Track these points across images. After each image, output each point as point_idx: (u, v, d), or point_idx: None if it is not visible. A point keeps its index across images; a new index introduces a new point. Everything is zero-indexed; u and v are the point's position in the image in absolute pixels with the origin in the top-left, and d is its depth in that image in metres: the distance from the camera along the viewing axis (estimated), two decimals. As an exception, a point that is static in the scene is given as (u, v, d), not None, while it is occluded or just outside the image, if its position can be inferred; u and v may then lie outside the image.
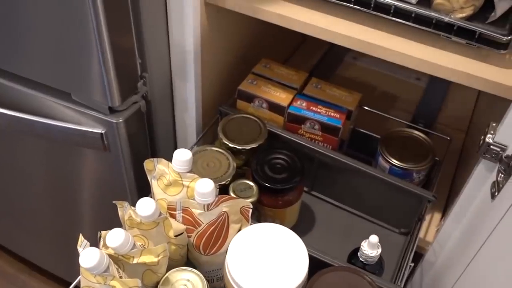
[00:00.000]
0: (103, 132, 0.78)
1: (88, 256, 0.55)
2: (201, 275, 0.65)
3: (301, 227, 0.86)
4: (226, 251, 0.70)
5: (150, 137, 0.86)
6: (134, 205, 0.91)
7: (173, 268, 0.66)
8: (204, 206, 0.65)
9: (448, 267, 0.73)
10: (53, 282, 1.35)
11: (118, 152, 0.81)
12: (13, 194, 1.10)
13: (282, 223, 0.83)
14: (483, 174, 0.65)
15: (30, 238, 1.22)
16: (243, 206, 0.68)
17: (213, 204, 0.66)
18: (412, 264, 0.72)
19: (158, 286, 0.64)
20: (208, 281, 0.67)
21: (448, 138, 0.90)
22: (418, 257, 0.86)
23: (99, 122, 0.77)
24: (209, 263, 0.71)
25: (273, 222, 0.82)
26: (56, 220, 1.09)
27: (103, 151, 0.81)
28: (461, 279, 0.66)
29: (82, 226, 1.05)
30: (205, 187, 0.64)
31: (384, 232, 0.87)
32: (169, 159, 0.68)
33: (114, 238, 0.58)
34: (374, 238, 0.69)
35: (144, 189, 0.81)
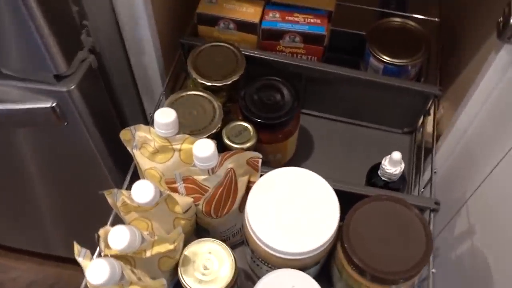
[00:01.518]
0: (53, 105, 0.64)
1: (97, 272, 0.46)
2: (223, 244, 0.58)
3: (302, 151, 0.79)
4: (238, 207, 0.63)
5: (110, 96, 0.72)
6: (114, 180, 0.80)
7: (185, 239, 0.58)
8: (208, 170, 0.56)
9: (464, 168, 0.68)
10: (31, 257, 1.25)
11: (78, 123, 0.67)
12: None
13: (283, 156, 0.75)
14: (506, 61, 0.58)
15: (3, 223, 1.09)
16: (250, 158, 0.59)
17: (217, 165, 0.56)
18: (436, 171, 0.67)
19: (179, 267, 0.56)
20: (223, 240, 0.59)
21: (437, 19, 0.81)
22: (426, 152, 0.81)
23: (46, 94, 0.63)
24: (222, 224, 0.64)
25: (274, 157, 0.74)
26: (32, 202, 0.96)
27: (60, 125, 0.67)
28: (484, 184, 0.61)
29: (61, 207, 0.93)
30: (205, 150, 0.54)
31: (386, 135, 0.82)
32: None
33: (119, 239, 0.49)
34: (396, 155, 0.62)
35: (121, 161, 0.69)
